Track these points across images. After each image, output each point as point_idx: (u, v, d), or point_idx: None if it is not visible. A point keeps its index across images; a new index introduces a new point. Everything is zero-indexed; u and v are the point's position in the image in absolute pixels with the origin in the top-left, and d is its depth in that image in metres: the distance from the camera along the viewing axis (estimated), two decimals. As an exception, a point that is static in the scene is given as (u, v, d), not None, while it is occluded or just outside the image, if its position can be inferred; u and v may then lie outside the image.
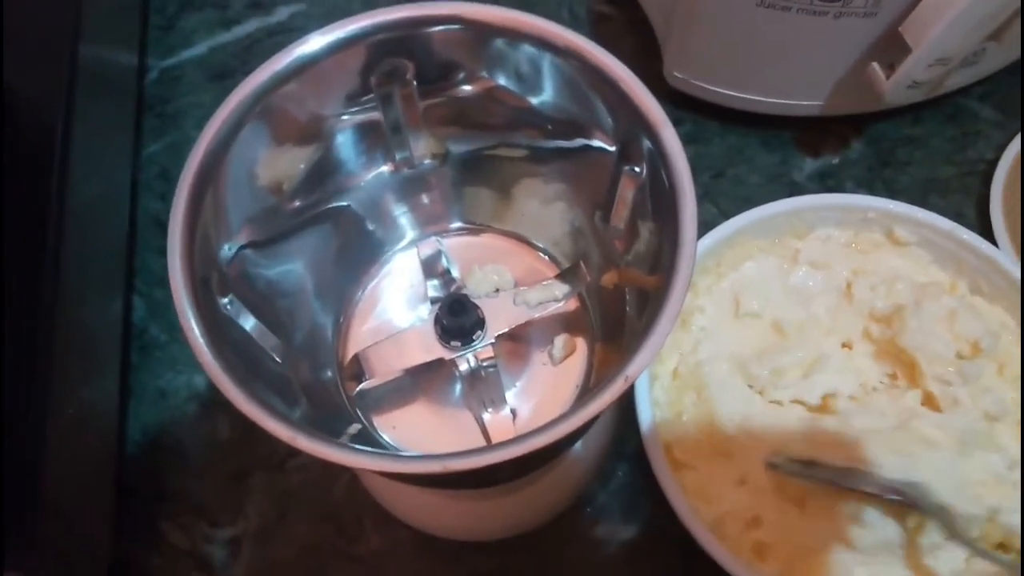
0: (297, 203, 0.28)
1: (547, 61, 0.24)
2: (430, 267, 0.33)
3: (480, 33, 0.25)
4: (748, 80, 0.41)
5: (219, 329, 0.23)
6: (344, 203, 0.30)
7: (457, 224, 0.34)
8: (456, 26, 0.25)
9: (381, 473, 0.22)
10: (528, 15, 0.25)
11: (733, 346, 0.32)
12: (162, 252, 0.41)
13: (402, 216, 0.33)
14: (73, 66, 0.36)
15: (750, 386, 0.31)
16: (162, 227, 0.42)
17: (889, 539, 0.29)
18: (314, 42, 0.25)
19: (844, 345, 0.32)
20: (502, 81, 0.26)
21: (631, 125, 0.24)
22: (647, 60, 0.44)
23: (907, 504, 0.28)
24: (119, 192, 0.40)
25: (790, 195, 0.42)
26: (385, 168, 0.30)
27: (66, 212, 0.33)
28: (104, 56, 0.40)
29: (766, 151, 0.44)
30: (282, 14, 0.49)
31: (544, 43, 0.24)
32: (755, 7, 0.36)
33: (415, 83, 0.27)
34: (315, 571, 0.35)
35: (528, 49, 0.24)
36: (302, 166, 0.27)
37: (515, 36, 0.24)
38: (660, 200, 0.23)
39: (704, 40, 0.40)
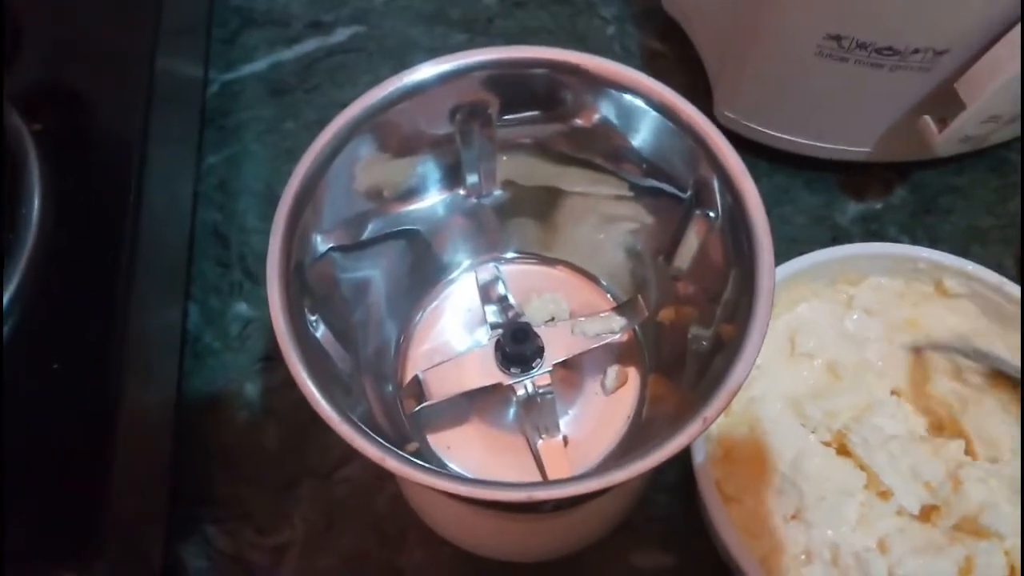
0: (386, 213, 0.30)
1: (637, 109, 0.26)
2: (487, 292, 0.34)
3: (580, 80, 0.26)
4: (798, 124, 0.42)
5: (304, 340, 0.24)
6: (416, 225, 0.31)
7: (514, 252, 0.35)
8: (555, 72, 0.26)
9: (451, 495, 0.23)
10: (625, 68, 0.26)
11: (787, 385, 0.33)
12: (219, 261, 0.43)
13: (463, 242, 0.34)
14: (151, 79, 0.37)
15: (803, 425, 0.32)
16: (219, 237, 0.44)
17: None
18: (423, 71, 0.27)
19: (894, 392, 0.33)
20: (591, 122, 0.27)
21: (709, 173, 0.25)
22: (697, 98, 0.44)
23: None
24: (183, 202, 0.41)
25: (833, 237, 0.44)
26: (458, 193, 0.32)
27: (141, 223, 0.34)
28: (175, 69, 0.42)
29: (810, 192, 0.45)
30: (341, 35, 0.50)
31: (638, 93, 0.25)
32: (812, 56, 0.37)
33: (497, 117, 0.28)
34: (358, 582, 0.36)
35: (621, 97, 0.26)
36: (399, 176, 0.29)
37: (612, 86, 0.25)
38: (734, 247, 0.24)
39: (757, 84, 0.41)
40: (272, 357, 0.41)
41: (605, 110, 0.27)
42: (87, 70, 0.37)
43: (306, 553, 0.37)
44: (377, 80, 0.48)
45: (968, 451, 0.32)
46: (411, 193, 0.30)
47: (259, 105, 0.48)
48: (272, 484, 0.38)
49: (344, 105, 0.47)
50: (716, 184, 0.25)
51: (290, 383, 0.39)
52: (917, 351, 0.34)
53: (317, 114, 0.47)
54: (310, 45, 0.50)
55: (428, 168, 0.30)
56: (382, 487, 0.37)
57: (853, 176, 0.45)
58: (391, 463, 0.21)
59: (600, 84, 0.26)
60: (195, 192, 0.44)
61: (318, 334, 0.27)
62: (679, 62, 0.48)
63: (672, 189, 0.27)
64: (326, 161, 0.26)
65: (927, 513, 0.31)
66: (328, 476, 0.38)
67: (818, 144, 0.43)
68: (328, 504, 0.37)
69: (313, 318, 0.26)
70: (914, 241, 0.43)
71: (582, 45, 0.49)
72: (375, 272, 0.30)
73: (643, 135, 0.27)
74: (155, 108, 0.37)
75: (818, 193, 0.45)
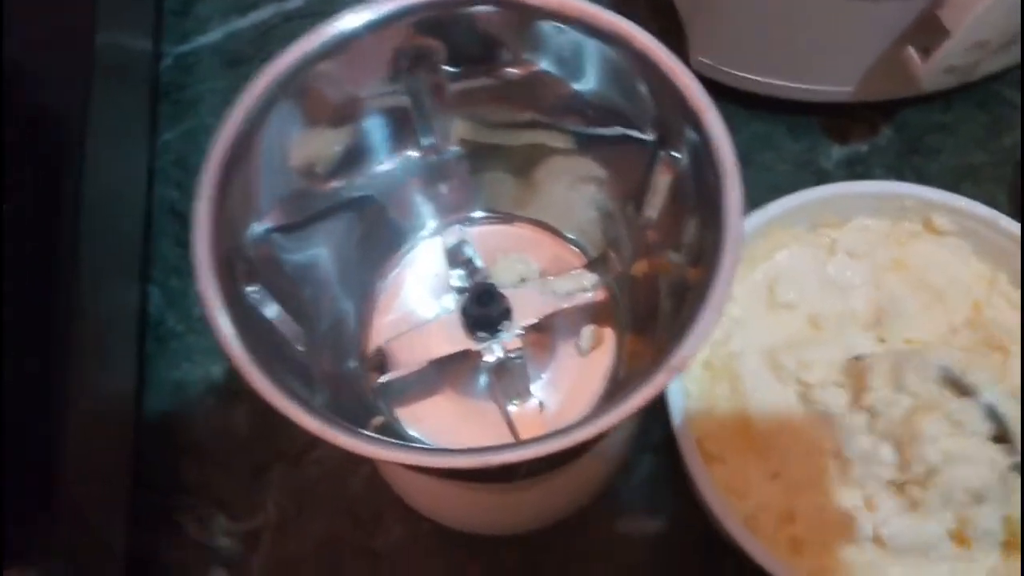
0: (327, 186, 0.27)
1: (589, 46, 0.24)
2: (454, 256, 0.32)
3: (520, 15, 0.24)
4: (777, 65, 0.40)
5: (245, 317, 0.22)
6: (368, 191, 0.29)
7: (480, 212, 0.33)
8: (495, 8, 0.24)
9: (409, 467, 0.22)
10: None
11: (766, 338, 0.31)
12: (179, 241, 0.41)
13: (425, 204, 0.32)
14: (92, 53, 0.35)
15: (780, 380, 0.31)
16: (178, 216, 0.42)
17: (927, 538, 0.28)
18: (348, 20, 0.25)
19: (881, 340, 0.32)
20: (539, 66, 0.25)
21: (673, 111, 0.23)
22: (670, 45, 0.43)
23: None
24: (135, 180, 0.40)
25: (818, 183, 0.41)
26: (411, 154, 0.30)
27: (83, 201, 0.32)
28: (120, 42, 0.40)
29: (793, 138, 0.43)
30: (298, 0, 0.48)
31: (588, 27, 0.23)
32: (787, -11, 0.35)
33: (446, 68, 0.26)
34: (333, 565, 0.35)
35: (570, 33, 0.24)
36: (336, 148, 0.27)
37: (557, 19, 0.23)
38: (702, 187, 0.22)
39: (732, 24, 0.39)
40: (238, 337, 0.39)
41: (549, 52, 0.25)
42: (25, 43, 0.35)
43: (279, 538, 0.35)
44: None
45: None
46: (356, 161, 0.28)
47: (215, 77, 0.46)
48: (242, 469, 0.36)
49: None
50: (679, 121, 0.23)
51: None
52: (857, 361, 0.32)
53: (276, 83, 0.45)
54: (266, 12, 0.48)
55: (373, 132, 0.28)
56: (356, 468, 0.36)
57: (837, 119, 0.43)
58: (332, 434, 0.20)
59: (541, 18, 0.24)
60: (150, 169, 0.42)
61: (268, 313, 0.25)
62: (651, 7, 0.46)
63: (636, 133, 0.26)
64: (249, 135, 0.24)
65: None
66: (299, 459, 0.36)
67: (798, 86, 0.41)
68: (301, 488, 0.36)
69: (256, 294, 0.24)
70: (901, 180, 0.41)
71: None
72: (323, 248, 0.28)
73: (594, 76, 0.25)
74: (98, 83, 0.35)
75: (801, 138, 0.43)
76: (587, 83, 0.25)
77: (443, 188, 0.32)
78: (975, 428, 0.29)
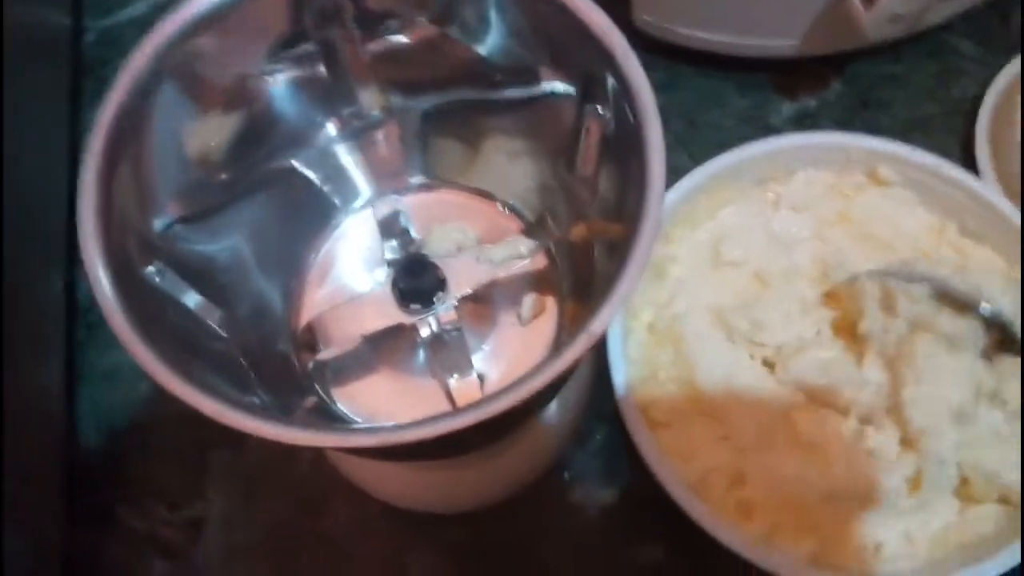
0: (230, 172, 0.26)
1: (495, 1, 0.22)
2: (388, 227, 0.31)
3: None
4: (720, 20, 0.39)
5: (148, 307, 0.21)
6: (287, 164, 0.28)
7: (415, 180, 0.32)
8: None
9: (337, 448, 0.21)
10: None
11: (712, 298, 0.30)
12: (107, 224, 0.39)
13: (355, 174, 0.31)
14: (-3, 26, 0.33)
15: (730, 340, 0.30)
16: (106, 197, 0.40)
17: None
18: None
19: (826, 294, 0.31)
20: (448, 27, 0.24)
21: (592, 60, 0.22)
22: (612, 5, 0.42)
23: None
24: (56, 161, 0.38)
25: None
26: (331, 123, 0.28)
27: (-5, 183, 0.30)
28: (33, 17, 0.38)
29: (741, 95, 0.42)
30: (227, -32, 0.46)
31: None
32: (725, -61, 0.34)
33: (356, 29, 0.25)
34: (281, 551, 0.34)
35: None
36: (231, 132, 0.25)
37: None
38: (626, 140, 0.21)
39: (674, -21, 0.37)
40: (174, 321, 0.38)
41: (462, 7, 0.23)
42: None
43: (225, 526, 0.34)
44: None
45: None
46: (266, 138, 0.26)
47: (141, 52, 0.44)
48: (182, 456, 0.35)
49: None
50: (601, 71, 0.21)
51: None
52: (850, 283, 0.31)
53: (206, 56, 0.44)
54: (193, -18, 0.46)
55: (283, 105, 0.26)
56: (300, 452, 0.35)
57: (785, 74, 0.42)
58: (231, 416, 0.19)
59: None
60: (74, 150, 0.40)
61: (187, 301, 0.24)
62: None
63: (558, 86, 0.24)
64: (131, 126, 0.22)
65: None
66: (241, 444, 0.35)
67: (743, 42, 0.40)
68: (244, 473, 0.35)
69: (166, 284, 0.23)
70: (852, 136, 0.40)
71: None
72: (235, 236, 0.27)
73: (511, 29, 0.23)
74: (8, 63, 0.33)
75: (749, 95, 0.42)
76: (495, 41, 0.24)
77: (371, 155, 0.31)
78: (969, 343, 0.28)
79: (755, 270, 0.31)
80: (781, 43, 0.39)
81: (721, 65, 0.41)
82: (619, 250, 0.20)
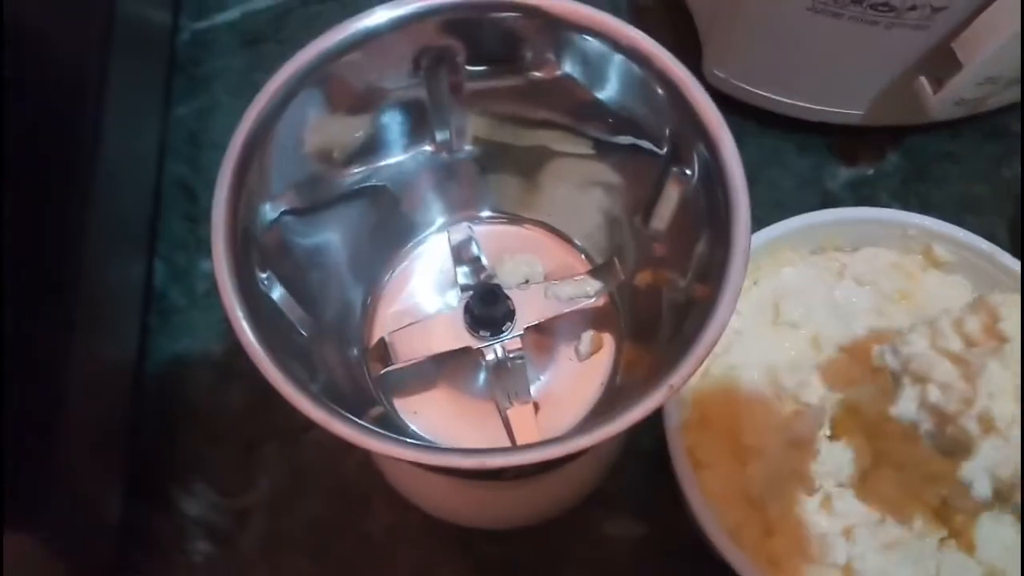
0: (343, 173, 0.28)
1: (611, 57, 0.24)
2: (460, 253, 0.33)
3: (546, 23, 0.24)
4: (790, 84, 0.40)
5: (255, 301, 0.23)
6: (382, 182, 0.30)
7: (488, 212, 0.34)
8: (521, 15, 0.24)
9: (410, 463, 0.22)
10: (593, 10, 0.24)
11: (767, 354, 0.32)
12: (187, 216, 0.41)
13: (435, 200, 0.33)
14: (111, 22, 0.35)
15: (779, 398, 0.31)
16: (187, 191, 0.42)
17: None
18: (377, 16, 0.25)
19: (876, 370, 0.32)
20: (560, 72, 0.26)
21: (685, 127, 0.23)
22: (686, 56, 0.43)
23: None
24: (148, 154, 0.40)
25: (822, 203, 0.42)
26: (425, 149, 0.30)
27: (97, 172, 0.32)
28: (141, 14, 0.40)
29: (801, 156, 0.43)
30: (318, -17, 0.48)
31: (611, 41, 0.24)
32: (805, 11, 0.36)
33: (467, 66, 0.26)
34: (323, 545, 0.35)
35: (593, 43, 0.24)
36: (354, 136, 0.27)
37: (582, 30, 0.24)
38: (710, 205, 0.23)
39: (749, 41, 0.39)
40: (240, 316, 0.39)
41: (572, 59, 0.25)
42: (44, 8, 0.35)
43: (271, 516, 0.36)
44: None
45: None
46: (372, 151, 0.28)
47: (231, 55, 0.46)
48: (237, 445, 0.37)
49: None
50: (692, 137, 0.23)
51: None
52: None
53: (292, 65, 0.46)
54: (285, -6, 0.48)
55: (391, 123, 0.28)
56: (349, 451, 0.37)
57: (845, 140, 0.44)
58: (339, 427, 0.20)
59: (566, 28, 0.24)
60: (162, 144, 0.42)
61: (275, 296, 0.25)
62: (668, 17, 0.46)
63: (648, 145, 0.26)
64: (270, 120, 0.24)
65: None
66: (294, 438, 0.37)
67: (809, 106, 0.41)
68: (294, 467, 0.36)
69: (265, 276, 0.25)
70: (906, 208, 0.42)
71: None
72: (334, 235, 0.29)
73: (613, 86, 0.25)
74: (116, 53, 0.36)
75: (808, 157, 0.43)
76: (605, 91, 0.26)
77: (454, 185, 0.32)
78: None
79: (812, 334, 0.32)
80: (846, 111, 0.41)
81: (784, 125, 0.43)
82: (697, 309, 0.22)
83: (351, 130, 0.27)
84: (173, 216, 0.41)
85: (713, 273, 0.21)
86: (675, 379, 0.20)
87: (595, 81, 0.25)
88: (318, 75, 0.25)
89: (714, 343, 0.20)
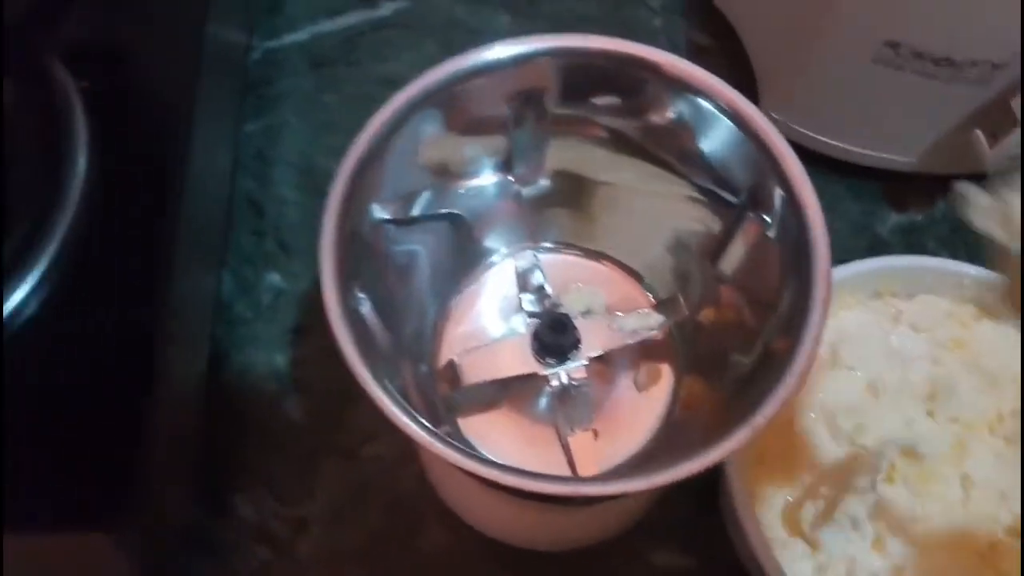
0: (437, 191, 0.30)
1: (703, 111, 0.25)
2: (525, 280, 0.34)
3: (650, 74, 0.25)
4: (848, 130, 0.41)
5: (354, 323, 0.24)
6: (463, 205, 0.31)
7: (554, 241, 0.35)
8: (628, 64, 0.26)
9: (505, 488, 0.23)
10: (700, 70, 0.25)
11: (824, 396, 0.33)
12: (254, 231, 0.43)
13: (505, 227, 0.34)
14: (201, 41, 0.37)
15: (833, 438, 0.32)
16: (255, 206, 0.44)
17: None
18: (501, 50, 0.27)
19: (930, 414, 0.33)
20: (646, 118, 0.27)
21: (769, 179, 0.24)
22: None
23: None
24: (222, 169, 0.41)
25: (871, 247, 0.43)
26: (505, 178, 0.32)
27: (186, 187, 0.34)
28: (223, 33, 0.41)
29: (852, 199, 0.44)
30: (386, 9, 0.50)
31: (708, 96, 0.25)
32: (868, 63, 0.37)
33: (556, 102, 0.28)
34: (378, 560, 0.36)
35: (689, 98, 0.25)
36: (456, 157, 0.29)
37: (684, 87, 0.25)
38: (787, 253, 0.24)
39: (808, 88, 0.40)
40: (302, 329, 0.41)
41: (673, 110, 0.26)
42: (137, 28, 0.37)
43: (328, 528, 0.37)
44: (420, 58, 0.49)
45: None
46: (465, 174, 0.30)
47: (299, 75, 0.47)
48: (297, 456, 0.38)
49: (386, 81, 0.47)
50: (775, 192, 0.24)
51: (320, 357, 0.40)
52: None
53: (357, 88, 0.47)
54: (354, 18, 0.49)
55: (484, 150, 0.30)
56: (406, 467, 0.38)
57: (895, 185, 0.44)
58: (453, 456, 0.21)
59: (672, 84, 0.25)
60: (233, 160, 0.44)
61: (363, 310, 0.27)
62: (725, 59, 0.47)
63: (725, 192, 0.27)
64: (393, 128, 0.26)
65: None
66: (353, 453, 0.38)
67: (864, 151, 0.42)
68: (352, 480, 0.37)
69: (360, 294, 0.26)
70: (954, 256, 0.42)
71: (628, 35, 0.48)
72: (421, 249, 0.31)
73: (707, 138, 0.26)
74: (204, 72, 0.37)
75: (859, 201, 0.44)
76: (692, 139, 0.27)
77: (524, 214, 0.34)
78: None
79: (869, 379, 0.33)
80: (900, 159, 0.42)
81: (837, 168, 0.44)
82: (770, 352, 0.23)
83: (455, 152, 0.29)
84: (241, 230, 0.43)
85: (793, 322, 0.22)
86: (758, 421, 0.21)
87: (683, 129, 0.27)
88: (441, 96, 0.27)
89: (795, 390, 0.21)
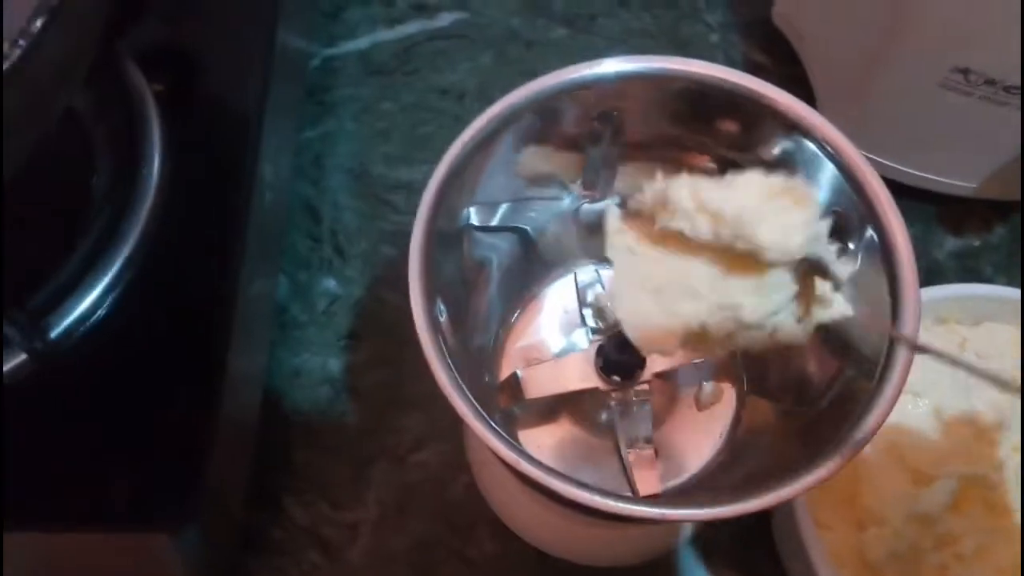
0: (518, 202, 0.30)
1: (804, 149, 0.25)
2: (586, 295, 0.34)
3: (749, 105, 0.26)
4: (908, 154, 0.41)
5: (438, 339, 0.24)
6: (533, 216, 0.32)
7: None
8: (733, 93, 0.26)
9: (587, 510, 0.23)
10: (809, 109, 0.25)
11: (889, 421, 0.32)
12: (310, 236, 0.43)
13: (569, 242, 0.34)
14: (272, 48, 0.37)
15: (900, 464, 0.32)
16: (312, 211, 0.44)
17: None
18: (607, 65, 0.27)
19: (995, 443, 0.33)
20: (726, 132, 0.27)
21: (854, 207, 0.24)
22: None
23: None
24: (284, 174, 0.42)
25: (928, 271, 0.43)
26: (578, 193, 0.32)
27: (254, 190, 0.34)
28: (290, 40, 0.42)
29: (908, 222, 0.44)
30: (444, 20, 0.50)
31: (812, 137, 0.25)
32: (935, 87, 0.36)
33: (634, 125, 0.28)
34: (427, 567, 0.36)
35: (794, 137, 0.25)
36: (541, 169, 0.29)
37: (790, 125, 0.25)
38: (868, 283, 0.24)
39: (872, 111, 0.40)
40: (356, 335, 0.41)
41: (777, 146, 0.26)
42: (210, 34, 0.37)
43: (378, 533, 0.37)
44: (477, 68, 0.49)
45: None
46: (541, 187, 0.30)
47: (357, 83, 0.48)
48: (348, 462, 0.38)
49: (442, 91, 0.48)
50: (858, 218, 0.24)
51: (373, 363, 0.40)
52: None
53: (414, 97, 0.47)
54: (412, 27, 0.50)
55: (562, 164, 0.30)
56: (456, 476, 0.38)
57: (951, 209, 0.44)
58: (535, 473, 0.21)
59: (770, 115, 0.25)
60: (295, 165, 0.44)
61: (442, 320, 0.27)
62: (782, 77, 0.47)
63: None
64: (493, 133, 0.26)
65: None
66: (403, 459, 0.38)
67: (923, 175, 0.42)
68: (402, 487, 0.38)
69: (441, 304, 0.26)
70: (1010, 281, 0.42)
71: (685, 51, 0.49)
72: (495, 258, 0.31)
73: (786, 161, 0.26)
74: (273, 78, 0.37)
75: (916, 224, 0.44)
76: (774, 164, 0.27)
77: (587, 231, 0.34)
78: None
79: (935, 405, 0.33)
80: (959, 184, 0.42)
81: (893, 189, 0.44)
82: (850, 381, 0.22)
83: (540, 164, 0.29)
84: (297, 234, 0.43)
85: (876, 360, 0.22)
86: (846, 451, 0.21)
87: (775, 160, 0.27)
88: (542, 105, 0.27)
89: (880, 424, 0.21)
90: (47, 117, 0.25)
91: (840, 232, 0.25)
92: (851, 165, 0.24)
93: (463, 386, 0.23)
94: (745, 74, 0.27)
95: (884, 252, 0.23)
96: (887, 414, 0.21)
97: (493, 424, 0.23)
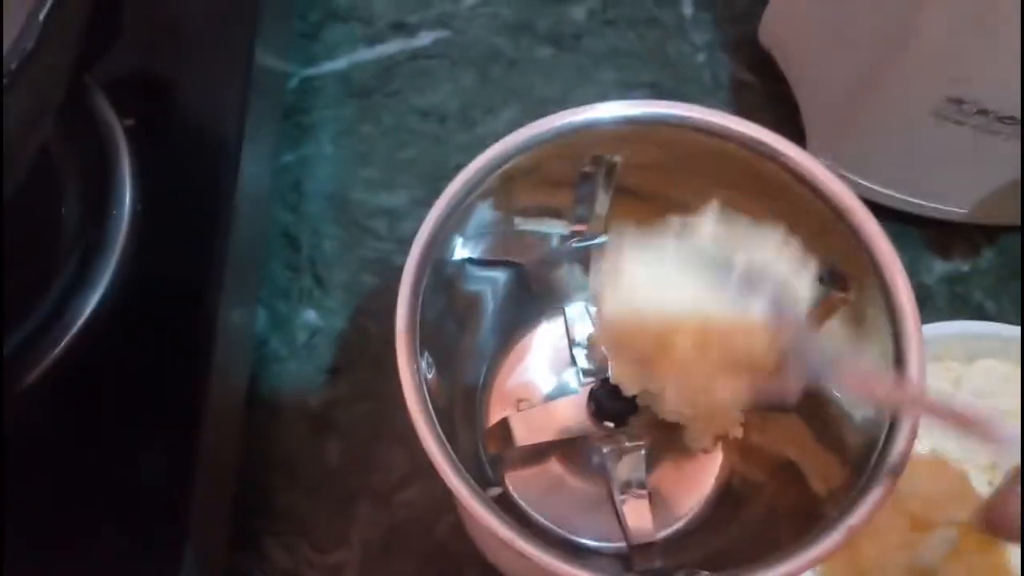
0: (511, 237, 0.30)
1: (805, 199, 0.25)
2: (576, 333, 0.33)
3: (746, 148, 0.25)
4: (898, 179, 0.40)
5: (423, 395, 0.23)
6: (526, 254, 0.31)
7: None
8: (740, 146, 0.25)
9: None
10: (814, 161, 0.25)
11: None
12: (289, 265, 0.42)
13: (559, 280, 0.33)
14: (249, 73, 0.36)
15: (899, 509, 0.31)
16: (291, 240, 0.43)
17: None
18: (603, 109, 0.26)
19: (990, 484, 0.32)
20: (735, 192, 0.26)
21: (852, 257, 0.24)
22: (784, 136, 0.44)
23: None
24: (262, 202, 0.40)
25: (918, 298, 0.42)
26: (569, 232, 0.31)
27: (232, 225, 0.33)
28: (267, 62, 0.40)
29: (896, 247, 0.44)
30: (425, 39, 0.49)
31: (814, 189, 0.24)
32: (928, 116, 0.36)
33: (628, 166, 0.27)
34: (413, 611, 0.36)
35: (768, 166, 0.25)
36: (535, 204, 0.29)
37: (799, 178, 0.25)
38: (868, 333, 0.23)
39: (862, 136, 0.39)
40: (337, 370, 0.40)
41: (769, 191, 0.26)
42: (183, 61, 0.36)
43: (363, 575, 0.36)
44: (459, 89, 0.48)
45: None
46: (533, 222, 0.30)
47: (337, 105, 0.47)
48: (331, 501, 0.37)
49: (424, 113, 0.47)
50: (862, 270, 0.24)
51: (354, 398, 0.39)
52: None
53: (395, 119, 0.46)
54: (392, 47, 0.49)
55: (559, 205, 0.29)
56: (442, 515, 0.37)
57: (939, 233, 0.44)
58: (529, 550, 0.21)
59: (771, 158, 0.25)
60: (272, 191, 0.43)
61: (428, 372, 0.26)
62: (769, 97, 0.47)
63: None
64: (491, 168, 0.25)
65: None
66: (388, 498, 0.37)
67: (912, 200, 0.41)
68: (386, 527, 0.37)
69: (426, 353, 0.25)
70: (1000, 308, 0.42)
71: (671, 71, 0.48)
72: (487, 291, 0.30)
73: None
74: (251, 101, 0.36)
75: (904, 248, 0.43)
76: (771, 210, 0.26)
77: (577, 269, 0.33)
78: None
79: (931, 446, 0.32)
80: (949, 209, 0.41)
81: (879, 212, 0.43)
82: (872, 455, 0.22)
83: (538, 199, 0.29)
84: (275, 263, 0.42)
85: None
86: (854, 520, 0.21)
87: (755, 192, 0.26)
88: (553, 143, 0.26)
89: (891, 490, 0.21)
90: (18, 167, 0.24)
91: (834, 279, 0.25)
92: (859, 225, 0.24)
93: (455, 458, 0.22)
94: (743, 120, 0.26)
95: (888, 306, 0.23)
96: (895, 481, 0.21)
97: (488, 500, 0.22)
